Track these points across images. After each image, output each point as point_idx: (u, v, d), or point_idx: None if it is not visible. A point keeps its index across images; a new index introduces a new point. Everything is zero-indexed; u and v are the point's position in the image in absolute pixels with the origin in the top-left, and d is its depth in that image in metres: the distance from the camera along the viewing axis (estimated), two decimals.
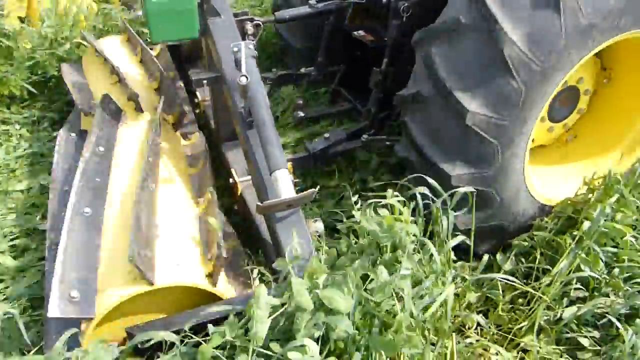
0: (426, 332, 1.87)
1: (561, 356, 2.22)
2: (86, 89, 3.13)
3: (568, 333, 2.26)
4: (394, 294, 1.66)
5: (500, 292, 2.32)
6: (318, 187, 2.13)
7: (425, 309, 1.78)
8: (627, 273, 2.34)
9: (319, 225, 2.02)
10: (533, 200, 2.50)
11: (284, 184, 1.88)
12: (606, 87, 2.76)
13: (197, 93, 3.10)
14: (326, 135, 2.96)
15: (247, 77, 1.98)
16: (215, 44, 2.36)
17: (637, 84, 2.65)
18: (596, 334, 2.25)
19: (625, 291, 2.27)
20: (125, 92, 2.86)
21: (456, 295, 2.11)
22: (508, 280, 2.20)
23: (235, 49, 2.12)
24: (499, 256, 2.49)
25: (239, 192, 2.45)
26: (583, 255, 2.26)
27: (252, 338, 1.43)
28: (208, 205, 2.18)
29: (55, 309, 1.62)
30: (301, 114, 2.91)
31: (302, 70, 3.00)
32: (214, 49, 2.38)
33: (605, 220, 2.33)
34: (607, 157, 2.80)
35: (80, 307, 1.67)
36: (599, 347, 2.21)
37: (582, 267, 2.27)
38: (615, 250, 2.37)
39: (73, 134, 2.81)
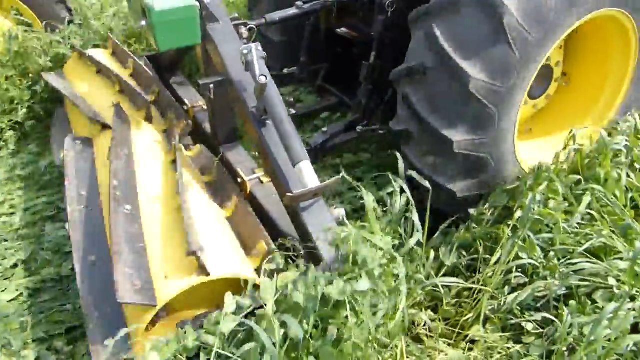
0: (378, 336, 1.90)
1: (507, 343, 2.30)
2: (82, 98, 3.14)
3: (512, 319, 2.34)
4: (348, 307, 1.68)
5: (447, 288, 2.38)
6: (341, 174, 2.23)
7: (377, 313, 1.82)
8: (561, 256, 2.44)
9: (341, 211, 2.08)
10: (520, 168, 2.68)
11: (309, 174, 2.00)
12: (573, 70, 2.95)
13: (186, 100, 3.12)
14: (324, 129, 3.17)
15: (266, 77, 2.08)
16: (218, 49, 2.43)
17: (596, 66, 2.90)
18: (538, 317, 2.33)
19: (560, 273, 2.37)
20: (133, 101, 2.96)
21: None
22: (451, 283, 2.27)
23: (246, 52, 2.19)
24: (442, 250, 2.55)
25: (248, 190, 2.49)
26: (520, 243, 2.36)
27: None
28: (237, 206, 2.31)
29: (124, 294, 1.70)
30: (293, 111, 2.89)
31: (286, 71, 3.10)
32: (217, 53, 2.44)
33: (538, 207, 2.44)
34: (580, 124, 2.96)
35: (144, 295, 1.75)
36: (541, 330, 2.31)
37: (520, 254, 2.37)
38: (550, 235, 2.47)
39: (79, 141, 2.80)
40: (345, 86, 3.44)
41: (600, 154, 2.73)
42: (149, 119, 2.84)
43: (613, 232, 2.47)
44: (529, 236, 2.37)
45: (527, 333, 2.31)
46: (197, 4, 2.28)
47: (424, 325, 2.32)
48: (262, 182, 2.52)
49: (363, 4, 3.13)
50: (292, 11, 3.10)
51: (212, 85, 2.47)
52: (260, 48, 2.25)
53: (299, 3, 3.15)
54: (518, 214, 2.41)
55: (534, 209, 2.40)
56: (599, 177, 2.65)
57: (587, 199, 2.53)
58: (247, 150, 2.82)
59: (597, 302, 2.22)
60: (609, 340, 1.99)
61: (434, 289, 2.38)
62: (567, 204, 2.55)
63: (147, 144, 2.63)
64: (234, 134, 2.76)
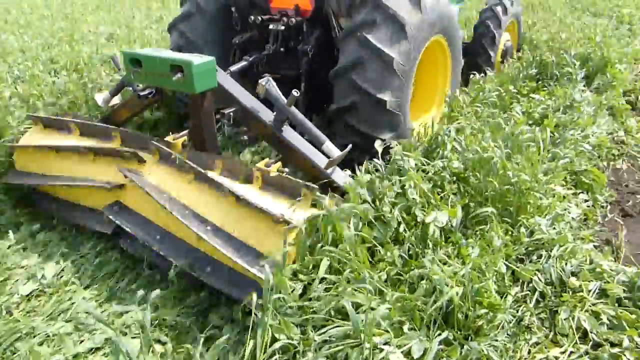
0: None
1: None
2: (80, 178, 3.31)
3: None
4: None
5: None
6: (349, 146, 3.08)
7: None
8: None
9: (348, 172, 3.06)
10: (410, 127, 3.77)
11: (332, 148, 3.05)
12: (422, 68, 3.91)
13: (166, 138, 3.26)
14: None
15: (297, 91, 2.95)
16: (229, 90, 3.15)
17: (433, 67, 4.25)
18: None
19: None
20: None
21: None
22: None
23: (264, 82, 3.03)
24: None
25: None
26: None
27: None
28: (261, 178, 2.77)
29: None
30: (245, 137, 3.57)
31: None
32: (224, 89, 3.13)
33: None
34: (429, 108, 4.38)
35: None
36: None
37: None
38: None
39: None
40: None
41: None
42: (141, 161, 3.14)
43: None
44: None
45: None
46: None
47: None
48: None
49: (289, 52, 4.06)
50: (243, 63, 3.96)
51: (231, 114, 3.19)
52: (271, 78, 3.07)
53: (246, 57, 4.01)
54: None
55: None
56: None
57: None
58: None
59: None
60: None
61: None
62: None
63: (162, 177, 3.02)
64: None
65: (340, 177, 3.01)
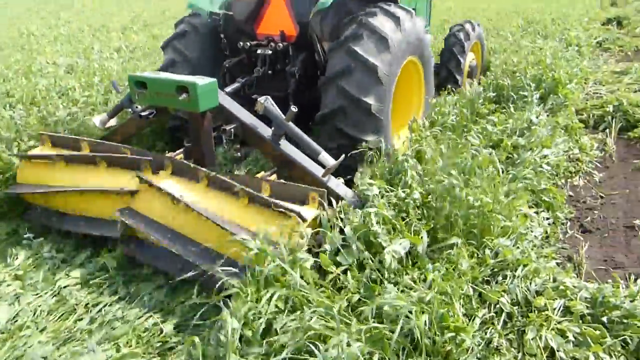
0: None
1: None
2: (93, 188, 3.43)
3: None
4: None
5: None
6: (342, 156, 3.31)
7: None
8: None
9: (342, 180, 3.38)
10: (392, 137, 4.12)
11: (328, 158, 3.27)
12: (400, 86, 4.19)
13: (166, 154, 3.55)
14: None
15: (296, 107, 3.31)
16: (230, 108, 3.43)
17: (405, 84, 4.48)
18: None
19: None
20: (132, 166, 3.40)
21: None
22: None
23: (263, 100, 3.30)
24: None
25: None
26: None
27: None
28: (270, 185, 3.08)
29: None
30: (239, 154, 3.96)
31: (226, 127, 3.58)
32: (225, 108, 3.41)
33: None
34: (404, 119, 4.60)
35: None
36: None
37: None
38: None
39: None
40: None
41: None
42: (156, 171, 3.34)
43: None
44: None
45: None
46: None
47: None
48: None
49: (276, 74, 4.40)
50: (236, 85, 4.21)
51: (232, 130, 3.43)
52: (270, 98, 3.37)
53: (239, 79, 4.27)
54: None
55: None
56: None
57: None
58: None
59: None
60: None
61: None
62: None
63: (177, 185, 3.20)
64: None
65: (335, 184, 3.29)
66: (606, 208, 4.04)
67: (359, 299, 2.50)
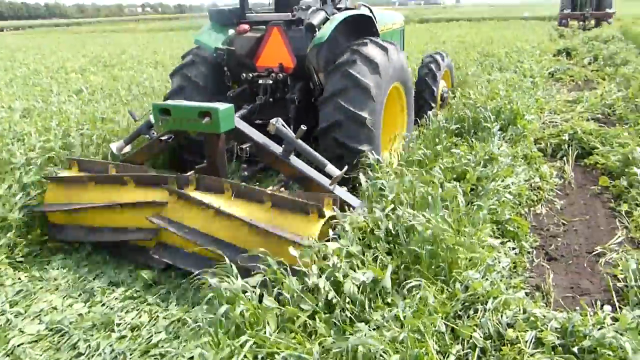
0: None
1: None
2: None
3: None
4: None
5: None
6: (345, 168, 3.88)
7: None
8: None
9: (345, 188, 3.92)
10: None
11: (334, 169, 3.80)
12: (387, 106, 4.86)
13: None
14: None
15: (306, 126, 3.81)
16: (245, 130, 3.92)
17: (394, 107, 5.32)
18: None
19: None
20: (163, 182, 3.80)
21: None
22: None
23: (275, 121, 3.80)
24: None
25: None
26: None
27: None
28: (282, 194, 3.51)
29: None
30: (246, 172, 4.53)
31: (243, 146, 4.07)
32: (240, 129, 3.90)
33: None
34: (392, 144, 5.28)
35: None
36: None
37: None
38: None
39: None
40: None
41: None
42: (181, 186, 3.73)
43: None
44: None
45: None
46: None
47: None
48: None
49: (276, 102, 4.90)
50: (243, 111, 4.66)
51: (247, 148, 3.94)
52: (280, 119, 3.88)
53: (245, 106, 4.75)
54: None
55: None
56: None
57: None
58: None
59: None
60: None
61: None
62: None
63: (203, 196, 3.60)
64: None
65: (341, 192, 3.73)
66: (569, 235, 4.14)
67: (332, 342, 2.44)
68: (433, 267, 3.00)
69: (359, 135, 4.25)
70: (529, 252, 3.83)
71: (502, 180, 4.21)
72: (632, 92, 7.75)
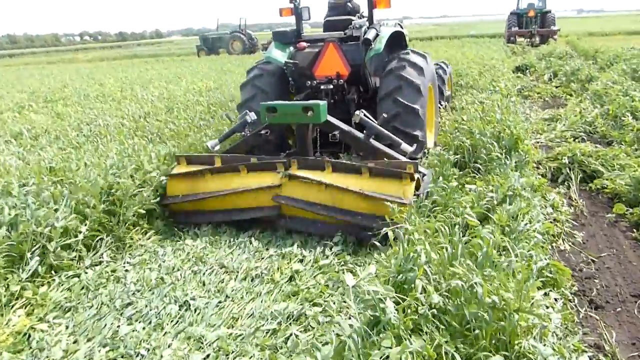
0: None
1: None
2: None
3: None
4: None
5: None
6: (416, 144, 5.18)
7: None
8: None
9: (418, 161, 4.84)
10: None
11: (406, 147, 4.83)
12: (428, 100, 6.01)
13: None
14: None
15: (385, 114, 5.22)
16: (336, 123, 4.90)
17: (429, 101, 6.24)
18: None
19: None
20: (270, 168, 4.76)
21: None
22: None
23: (358, 112, 4.91)
24: None
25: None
26: None
27: None
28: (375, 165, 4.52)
29: None
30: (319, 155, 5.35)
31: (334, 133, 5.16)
32: (330, 121, 4.83)
33: None
34: (431, 123, 6.48)
35: None
36: None
37: None
38: None
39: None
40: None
41: None
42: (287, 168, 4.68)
43: None
44: None
45: None
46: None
47: None
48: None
49: (336, 103, 5.95)
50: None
51: (337, 134, 5.01)
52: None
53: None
54: None
55: None
56: None
57: None
58: None
59: None
60: None
61: None
62: None
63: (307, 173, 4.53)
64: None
65: (413, 165, 4.32)
66: (603, 275, 3.75)
67: None
68: (494, 337, 2.50)
69: (413, 123, 5.34)
70: (570, 300, 3.40)
71: (528, 219, 3.79)
72: (613, 108, 7.66)
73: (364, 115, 4.85)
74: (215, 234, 4.67)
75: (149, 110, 8.66)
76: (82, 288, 3.84)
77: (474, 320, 2.48)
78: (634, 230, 4.38)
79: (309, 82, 5.92)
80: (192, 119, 7.61)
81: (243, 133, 5.39)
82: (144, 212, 4.79)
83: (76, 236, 4.22)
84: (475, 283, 2.49)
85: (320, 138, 5.51)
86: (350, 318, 2.68)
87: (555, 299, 3.27)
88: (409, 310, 2.45)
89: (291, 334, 3.09)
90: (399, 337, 2.34)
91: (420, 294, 2.55)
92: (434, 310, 2.54)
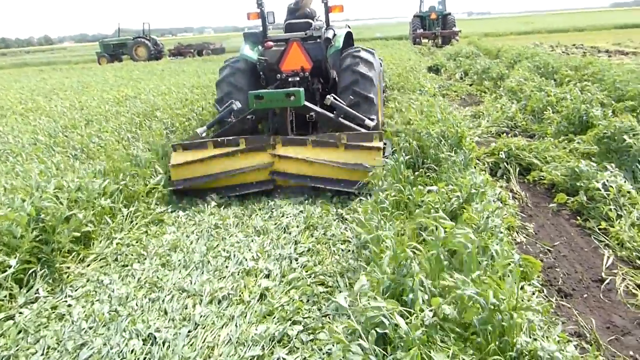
0: None
1: None
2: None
3: None
4: None
5: None
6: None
7: None
8: None
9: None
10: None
11: (369, 122, 6.16)
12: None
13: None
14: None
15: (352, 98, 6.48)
16: (306, 103, 5.92)
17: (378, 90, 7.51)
18: None
19: None
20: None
21: None
22: None
23: (330, 97, 6.06)
24: None
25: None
26: None
27: None
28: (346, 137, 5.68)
29: None
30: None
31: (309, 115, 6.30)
32: (306, 105, 5.93)
33: None
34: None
35: None
36: None
37: None
38: None
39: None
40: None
41: None
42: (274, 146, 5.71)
43: None
44: None
45: None
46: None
47: None
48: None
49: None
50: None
51: (313, 115, 6.16)
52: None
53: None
54: None
55: None
56: None
57: None
58: None
59: None
60: None
61: None
62: None
63: (292, 150, 5.63)
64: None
65: (379, 134, 5.47)
66: (562, 263, 3.92)
67: None
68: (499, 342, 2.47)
69: (369, 109, 6.36)
70: (539, 291, 3.50)
71: (489, 214, 3.86)
72: (531, 104, 8.17)
73: (334, 98, 5.96)
74: (165, 255, 4.31)
75: (65, 123, 7.88)
76: (20, 332, 3.34)
77: (480, 326, 2.44)
78: (577, 217, 4.64)
79: (278, 75, 6.81)
80: (118, 132, 7.02)
81: (229, 119, 6.31)
82: (79, 234, 4.32)
83: (4, 271, 3.69)
84: (476, 290, 2.44)
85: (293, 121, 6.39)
86: (348, 337, 2.53)
87: (533, 293, 3.35)
88: (417, 322, 2.35)
89: (278, 359, 2.88)
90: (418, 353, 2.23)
91: (423, 303, 2.46)
92: (438, 320, 2.46)
